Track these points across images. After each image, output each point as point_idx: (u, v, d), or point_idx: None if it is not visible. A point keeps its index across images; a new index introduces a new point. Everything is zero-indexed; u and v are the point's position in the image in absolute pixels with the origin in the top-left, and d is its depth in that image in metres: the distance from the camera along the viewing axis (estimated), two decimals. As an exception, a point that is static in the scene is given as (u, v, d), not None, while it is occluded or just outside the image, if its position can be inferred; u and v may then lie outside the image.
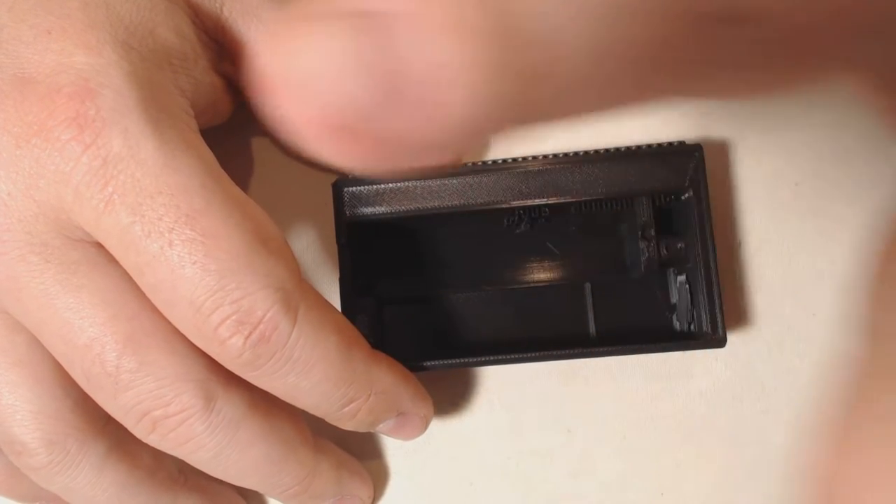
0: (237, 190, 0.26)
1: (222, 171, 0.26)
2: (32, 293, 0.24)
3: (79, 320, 0.24)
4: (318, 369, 0.25)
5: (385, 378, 0.27)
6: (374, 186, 0.30)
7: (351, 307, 0.30)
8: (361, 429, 0.28)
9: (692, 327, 0.30)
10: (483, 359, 0.30)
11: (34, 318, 0.25)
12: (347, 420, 0.27)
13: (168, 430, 0.25)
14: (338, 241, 0.30)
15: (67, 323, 0.24)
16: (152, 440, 0.26)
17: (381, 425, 0.29)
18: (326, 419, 0.27)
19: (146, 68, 0.25)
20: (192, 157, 0.24)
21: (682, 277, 0.30)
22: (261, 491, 0.29)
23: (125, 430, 0.26)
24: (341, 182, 0.30)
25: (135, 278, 0.24)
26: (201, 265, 0.23)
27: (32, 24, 0.24)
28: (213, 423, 0.25)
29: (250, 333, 0.24)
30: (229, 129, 0.32)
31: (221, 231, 0.24)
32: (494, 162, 0.30)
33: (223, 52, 0.29)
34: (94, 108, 0.23)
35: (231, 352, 0.24)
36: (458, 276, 0.32)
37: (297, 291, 0.25)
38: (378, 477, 0.32)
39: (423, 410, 0.29)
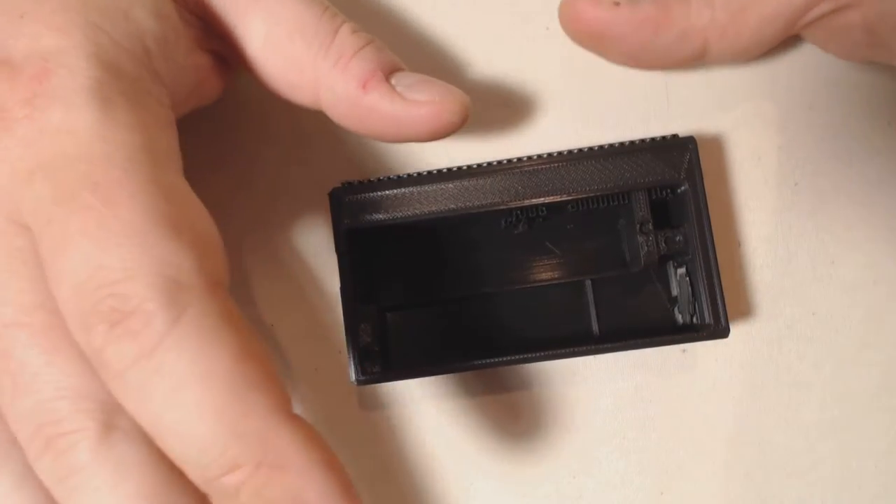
0: (179, 180, 0.23)
1: (171, 161, 0.24)
2: None
3: (2, 307, 0.22)
4: (191, 395, 0.19)
5: (291, 450, 0.20)
6: (372, 194, 0.30)
7: (353, 315, 0.30)
8: None
9: (694, 319, 0.30)
10: (487, 361, 0.30)
11: None
12: (228, 499, 0.20)
13: (59, 452, 0.21)
14: (337, 250, 0.30)
15: None
16: (42, 467, 0.21)
17: None
18: (205, 491, 0.21)
19: (116, 52, 0.24)
20: (132, 135, 0.22)
21: (682, 270, 0.31)
22: None
23: None
24: (338, 191, 0.30)
25: (38, 250, 0.22)
26: (91, 236, 0.20)
27: (7, 10, 0.24)
28: (102, 457, 0.21)
29: (117, 322, 0.20)
30: (227, 139, 0.33)
31: (125, 203, 0.21)
32: (489, 164, 0.30)
33: (209, 28, 0.28)
34: (49, 87, 0.22)
35: (93, 343, 0.20)
36: (458, 279, 0.32)
37: (197, 290, 0.20)
38: (377, 478, 0.32)
39: None
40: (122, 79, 0.24)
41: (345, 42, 0.27)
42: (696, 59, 0.30)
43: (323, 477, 0.20)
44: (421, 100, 0.27)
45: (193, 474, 0.20)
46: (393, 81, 0.27)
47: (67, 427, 0.21)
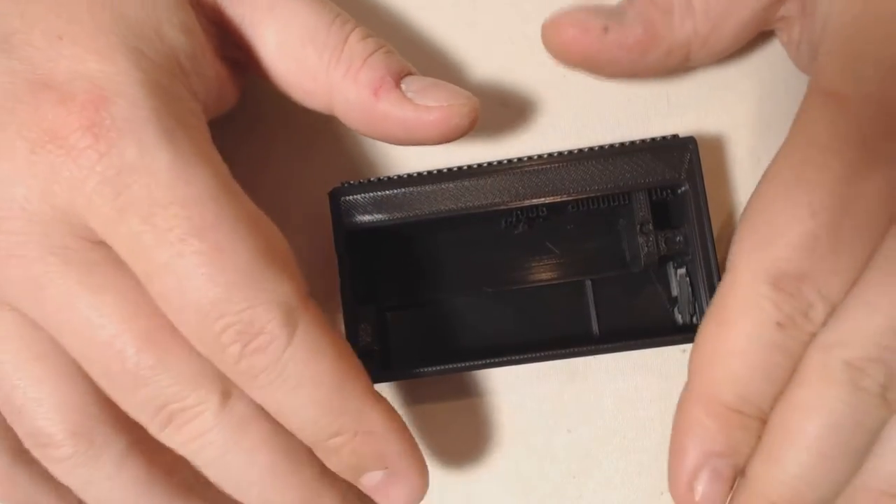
0: (248, 202, 0.26)
1: (233, 181, 0.26)
2: (53, 294, 0.24)
3: (99, 318, 0.25)
4: (306, 390, 0.25)
5: (377, 421, 0.27)
6: (372, 194, 0.30)
7: (353, 315, 0.30)
8: (345, 472, 0.27)
9: (694, 320, 0.30)
10: (488, 361, 0.30)
11: (54, 319, 0.25)
12: (332, 455, 0.27)
13: (183, 422, 0.25)
14: (337, 250, 0.30)
15: (88, 321, 0.25)
16: (167, 435, 0.26)
17: (366, 477, 0.28)
18: (314, 449, 0.27)
19: (158, 74, 0.25)
20: (205, 167, 0.25)
21: (682, 270, 0.31)
22: None
23: (144, 431, 0.26)
24: (338, 191, 0.30)
25: (143, 284, 0.25)
26: (209, 277, 0.24)
27: (44, 30, 0.25)
28: (225, 420, 0.26)
29: (249, 342, 0.24)
30: (226, 139, 0.33)
31: (230, 245, 0.24)
32: (489, 164, 0.30)
33: (224, 35, 0.29)
34: (109, 118, 0.24)
35: (230, 358, 0.25)
36: (458, 279, 0.32)
37: (300, 309, 0.25)
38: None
39: (413, 476, 0.28)
40: (172, 104, 0.25)
41: (354, 50, 0.28)
42: (678, 68, 0.31)
43: (399, 440, 0.27)
44: (431, 105, 0.28)
45: (304, 438, 0.26)
46: (403, 87, 0.28)
47: (190, 403, 0.25)
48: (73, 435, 0.26)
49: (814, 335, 0.25)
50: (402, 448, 0.27)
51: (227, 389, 0.26)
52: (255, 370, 0.25)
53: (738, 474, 0.27)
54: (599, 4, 0.30)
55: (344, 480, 0.28)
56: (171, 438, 0.26)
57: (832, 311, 0.25)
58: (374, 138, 0.30)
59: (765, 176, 0.27)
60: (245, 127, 0.33)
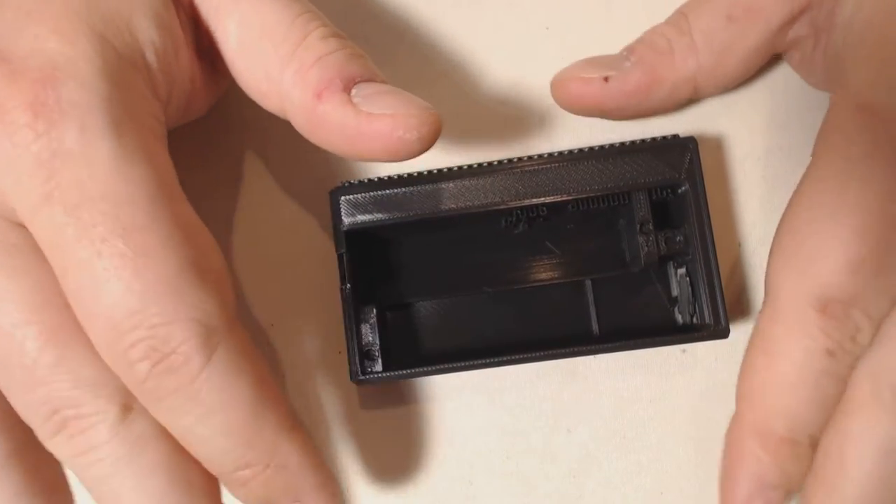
0: (189, 210, 0.25)
1: (178, 187, 0.25)
2: None
3: (4, 304, 0.23)
4: (218, 418, 0.24)
5: (292, 455, 0.25)
6: (371, 194, 0.30)
7: (353, 315, 0.30)
8: (251, 503, 0.26)
9: (694, 319, 0.30)
10: (488, 361, 0.30)
11: None
12: (238, 486, 0.25)
13: (76, 431, 0.24)
14: (337, 250, 0.30)
15: None
16: (55, 443, 0.24)
17: None
18: (220, 478, 0.25)
19: (120, 65, 0.24)
20: (147, 167, 0.23)
21: (682, 270, 0.31)
22: None
23: (31, 437, 0.25)
24: (338, 191, 0.30)
25: (58, 279, 0.23)
26: (126, 283, 0.22)
27: (15, 6, 0.24)
28: (121, 436, 0.24)
29: (159, 361, 0.23)
30: (226, 138, 0.33)
31: (157, 252, 0.23)
32: (489, 164, 0.30)
33: (199, 29, 0.27)
34: (54, 98, 0.22)
35: (136, 376, 0.23)
36: (458, 279, 0.32)
37: (223, 331, 0.23)
38: (377, 477, 0.32)
39: None
40: (128, 97, 0.24)
41: (311, 47, 0.25)
42: (689, 101, 0.31)
43: (314, 475, 0.26)
44: (375, 112, 0.25)
45: (211, 468, 0.25)
46: (353, 92, 0.25)
47: (87, 411, 0.24)
48: None
49: (859, 356, 0.25)
50: (315, 482, 0.26)
51: (128, 402, 0.24)
52: (162, 391, 0.23)
53: (790, 499, 0.27)
54: (602, 55, 0.31)
55: None
56: (60, 448, 0.24)
57: (877, 329, 0.25)
58: (322, 147, 0.26)
59: (799, 194, 0.27)
60: (244, 126, 0.33)
